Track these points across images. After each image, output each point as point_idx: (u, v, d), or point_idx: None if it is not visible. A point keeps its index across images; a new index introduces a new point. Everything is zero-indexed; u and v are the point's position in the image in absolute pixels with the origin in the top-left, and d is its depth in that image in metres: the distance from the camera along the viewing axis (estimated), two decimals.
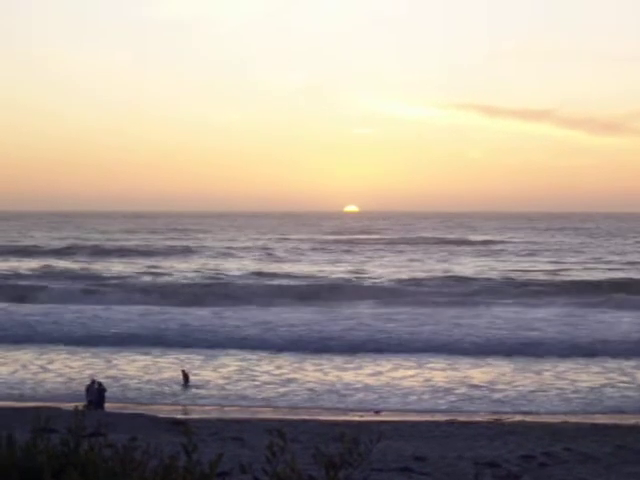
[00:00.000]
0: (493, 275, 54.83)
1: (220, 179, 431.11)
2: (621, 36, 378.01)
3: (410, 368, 25.51)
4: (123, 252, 76.97)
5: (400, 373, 24.86)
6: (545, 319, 34.55)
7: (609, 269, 60.98)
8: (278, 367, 25.77)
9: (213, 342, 29.76)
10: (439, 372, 24.91)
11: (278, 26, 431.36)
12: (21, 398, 21.41)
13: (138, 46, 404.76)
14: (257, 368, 25.62)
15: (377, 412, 20.03)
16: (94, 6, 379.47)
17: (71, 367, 25.74)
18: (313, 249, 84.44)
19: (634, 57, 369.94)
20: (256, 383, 23.50)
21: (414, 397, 21.72)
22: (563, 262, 67.78)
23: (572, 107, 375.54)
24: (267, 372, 25.05)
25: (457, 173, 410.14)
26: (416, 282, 49.76)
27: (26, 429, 5.79)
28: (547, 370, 25.18)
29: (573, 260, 70.16)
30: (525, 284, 48.56)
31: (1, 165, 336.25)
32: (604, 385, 23.01)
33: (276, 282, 50.19)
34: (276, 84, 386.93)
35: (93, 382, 21.24)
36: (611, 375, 24.42)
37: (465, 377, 24.10)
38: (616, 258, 71.62)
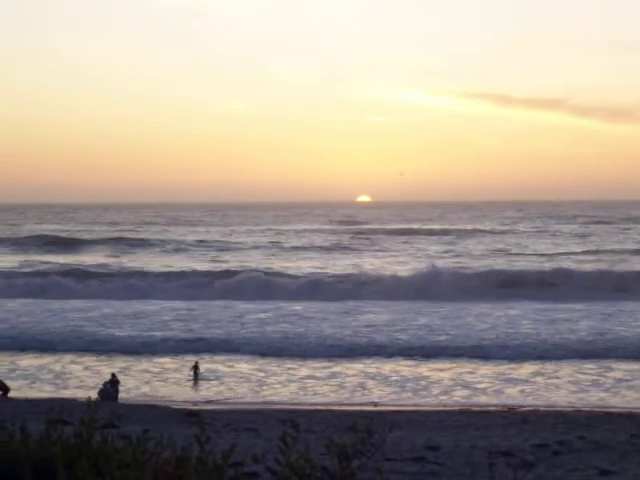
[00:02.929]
0: (514, 267, 53.46)
1: (233, 169, 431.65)
2: (634, 24, 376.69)
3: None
4: (156, 245, 75.42)
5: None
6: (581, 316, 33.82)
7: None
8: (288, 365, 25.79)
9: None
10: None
11: (292, 16, 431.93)
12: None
13: (147, 36, 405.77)
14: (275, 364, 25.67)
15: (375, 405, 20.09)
16: None
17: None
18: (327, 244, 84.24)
19: None
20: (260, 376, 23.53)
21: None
22: (587, 251, 66.61)
23: (585, 95, 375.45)
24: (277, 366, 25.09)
25: (470, 162, 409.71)
26: (437, 275, 48.11)
27: (40, 421, 5.82)
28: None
29: (594, 249, 69.13)
30: (545, 276, 46.19)
31: None
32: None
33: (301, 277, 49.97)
34: (290, 74, 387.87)
35: (113, 378, 21.01)
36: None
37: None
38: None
